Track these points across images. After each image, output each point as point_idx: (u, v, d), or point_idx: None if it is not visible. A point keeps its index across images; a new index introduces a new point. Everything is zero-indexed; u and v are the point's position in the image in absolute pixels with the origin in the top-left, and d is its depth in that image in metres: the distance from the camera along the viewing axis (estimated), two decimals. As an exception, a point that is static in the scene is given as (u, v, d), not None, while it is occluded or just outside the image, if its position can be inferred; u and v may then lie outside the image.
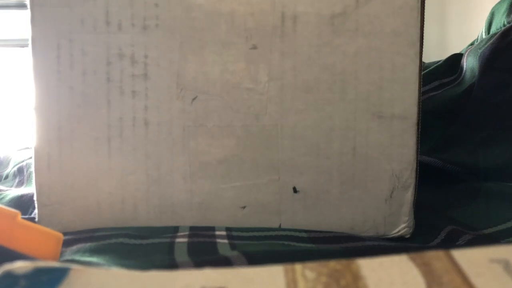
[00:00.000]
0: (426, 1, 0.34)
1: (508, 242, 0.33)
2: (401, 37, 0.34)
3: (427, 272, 0.17)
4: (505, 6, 0.59)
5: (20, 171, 0.59)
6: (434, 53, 1.06)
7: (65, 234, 0.32)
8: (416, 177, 0.35)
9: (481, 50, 0.54)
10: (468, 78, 0.55)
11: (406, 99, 0.34)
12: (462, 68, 0.58)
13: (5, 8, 1.42)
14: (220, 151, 0.34)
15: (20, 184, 0.56)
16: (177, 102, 0.34)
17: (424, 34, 0.34)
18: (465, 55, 0.58)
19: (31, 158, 0.35)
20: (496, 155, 0.46)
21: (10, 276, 0.16)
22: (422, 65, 0.35)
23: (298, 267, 0.18)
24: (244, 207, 0.35)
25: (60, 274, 0.17)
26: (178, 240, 0.31)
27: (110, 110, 0.34)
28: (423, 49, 0.34)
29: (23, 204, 0.42)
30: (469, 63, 0.56)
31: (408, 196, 0.35)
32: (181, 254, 0.28)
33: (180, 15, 0.33)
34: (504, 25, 0.57)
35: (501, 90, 0.49)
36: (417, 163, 0.35)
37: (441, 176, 0.47)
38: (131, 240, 0.31)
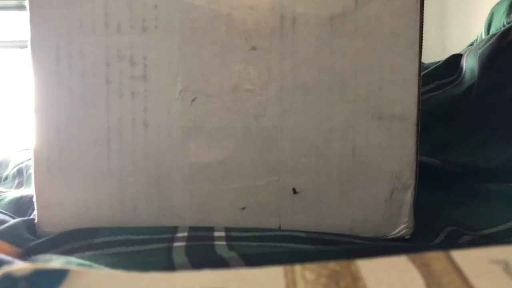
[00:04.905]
0: (425, 2, 0.34)
1: (508, 243, 0.33)
2: (400, 38, 0.34)
3: (427, 273, 0.17)
4: (504, 6, 0.59)
5: (19, 172, 0.59)
6: (434, 54, 1.05)
7: (63, 237, 0.32)
8: (416, 177, 0.35)
9: (480, 51, 0.54)
10: (468, 78, 0.55)
11: (406, 100, 0.34)
12: (461, 69, 0.58)
13: (4, 10, 1.42)
14: (220, 152, 0.34)
15: (20, 185, 0.56)
16: (176, 104, 0.34)
17: (423, 35, 0.34)
18: (465, 55, 0.58)
19: (30, 159, 0.35)
20: (496, 155, 0.46)
21: (9, 278, 0.16)
22: (421, 66, 0.35)
23: (297, 268, 0.18)
24: (243, 208, 0.35)
25: (59, 275, 0.17)
26: (176, 244, 0.31)
27: (109, 112, 0.34)
28: (423, 50, 0.34)
29: (22, 205, 0.42)
30: (469, 64, 0.56)
31: (408, 197, 0.35)
32: (179, 256, 0.28)
33: (179, 17, 0.33)
34: (503, 26, 0.57)
35: (500, 90, 0.49)
36: (416, 163, 0.35)
37: (441, 177, 0.47)
38: (129, 248, 0.31)
